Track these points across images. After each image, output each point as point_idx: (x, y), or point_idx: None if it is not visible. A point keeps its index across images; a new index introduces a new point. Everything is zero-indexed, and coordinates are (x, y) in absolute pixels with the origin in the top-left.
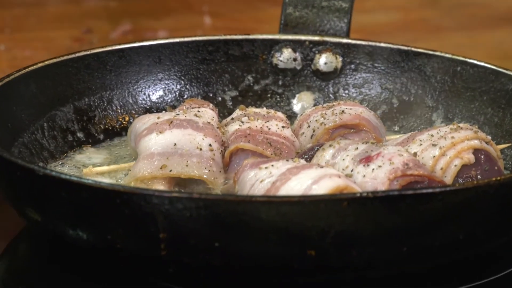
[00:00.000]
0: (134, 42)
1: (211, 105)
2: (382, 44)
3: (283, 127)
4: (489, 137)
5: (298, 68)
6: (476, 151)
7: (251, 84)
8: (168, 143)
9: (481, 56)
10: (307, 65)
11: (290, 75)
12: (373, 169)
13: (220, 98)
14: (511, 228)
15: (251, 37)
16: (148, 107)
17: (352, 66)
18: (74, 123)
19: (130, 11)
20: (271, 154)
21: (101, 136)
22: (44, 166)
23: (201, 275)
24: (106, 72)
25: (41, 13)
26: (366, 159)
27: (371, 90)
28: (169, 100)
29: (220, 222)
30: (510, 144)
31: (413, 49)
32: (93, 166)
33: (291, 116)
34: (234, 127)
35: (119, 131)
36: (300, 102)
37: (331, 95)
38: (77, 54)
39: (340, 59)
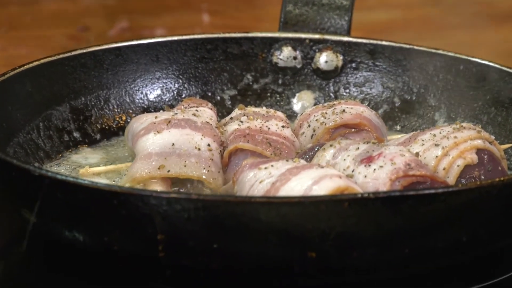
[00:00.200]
0: (131, 40)
1: (209, 104)
2: (384, 42)
3: (283, 126)
4: (493, 137)
5: (298, 66)
6: (479, 151)
7: (251, 83)
8: (166, 143)
9: (485, 54)
10: (307, 63)
11: (290, 73)
12: (374, 169)
13: (218, 97)
14: None
15: (250, 35)
16: (145, 106)
17: (353, 64)
18: (70, 123)
19: (127, 9)
20: (271, 154)
21: (98, 136)
22: (40, 167)
23: (200, 277)
24: (102, 71)
25: (36, 11)
26: (368, 159)
27: (373, 89)
28: (167, 99)
29: (219, 223)
30: None
31: (415, 47)
32: (89, 166)
33: (291, 116)
34: (233, 126)
35: (116, 131)
36: (300, 101)
37: (331, 94)
38: (73, 53)
39: (340, 57)
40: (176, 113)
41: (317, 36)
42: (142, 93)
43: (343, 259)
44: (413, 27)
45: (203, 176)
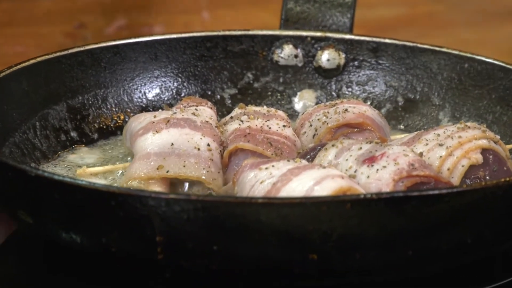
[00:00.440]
0: (130, 38)
1: (209, 103)
2: (387, 40)
3: (284, 126)
4: (498, 137)
5: (300, 65)
6: (484, 151)
7: (251, 82)
8: (165, 143)
9: (490, 52)
10: (309, 62)
11: (291, 72)
12: (377, 169)
13: (218, 96)
14: None
15: (250, 32)
16: (144, 105)
17: (356, 63)
18: (67, 122)
19: (125, 6)
20: (272, 154)
21: (95, 136)
22: (36, 167)
23: (199, 279)
24: (100, 69)
25: (32, 8)
26: (370, 160)
27: (375, 87)
28: (165, 98)
29: (218, 224)
30: None
31: (419, 45)
32: (87, 166)
33: (292, 115)
34: (233, 126)
35: (114, 130)
36: (302, 100)
37: (333, 93)
38: (70, 51)
39: (343, 55)
40: (175, 112)
41: (318, 33)
42: (140, 92)
43: (345, 261)
44: (416, 24)
45: (203, 177)
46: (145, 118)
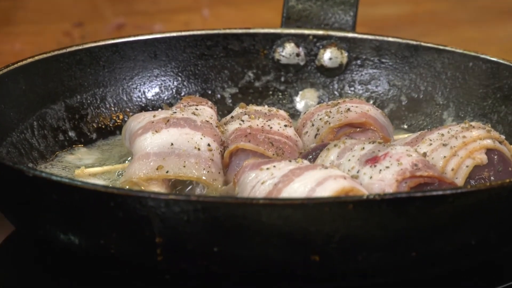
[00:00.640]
0: (129, 36)
1: (209, 102)
2: (390, 39)
3: (285, 126)
4: (503, 137)
5: (302, 63)
6: (489, 151)
7: (252, 81)
8: (164, 142)
9: (494, 51)
10: (311, 60)
11: (293, 71)
12: (380, 170)
13: (219, 96)
14: None
15: (251, 31)
16: (143, 105)
17: (358, 61)
18: (65, 122)
19: (124, 3)
20: (273, 154)
21: (94, 136)
22: (34, 167)
23: (199, 282)
24: (99, 68)
25: (29, 6)
26: (373, 160)
27: (378, 87)
28: (165, 98)
29: (219, 226)
30: None
31: (423, 43)
32: (85, 167)
33: (294, 115)
34: (234, 126)
35: (112, 130)
36: (304, 100)
37: (336, 92)
38: (68, 49)
39: (345, 54)
40: (175, 112)
41: (321, 32)
42: (139, 91)
43: (348, 262)
44: (420, 22)
45: (203, 177)
46: (145, 117)
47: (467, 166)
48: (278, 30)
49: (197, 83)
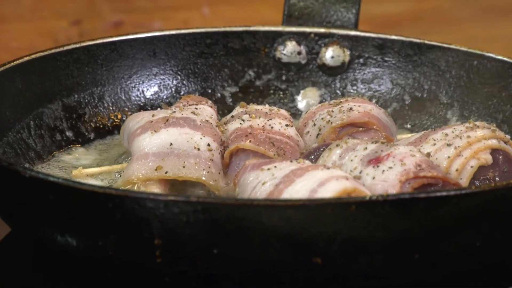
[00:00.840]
0: (127, 34)
1: (209, 102)
2: (393, 37)
3: (286, 125)
4: (508, 137)
5: (303, 62)
6: (494, 151)
7: (253, 80)
8: (163, 142)
9: (500, 49)
10: (313, 59)
11: (294, 69)
12: (383, 170)
13: (219, 95)
14: None
15: (252, 29)
16: (142, 104)
17: (361, 60)
18: (62, 121)
19: (123, 1)
20: (274, 154)
21: (92, 135)
22: (31, 168)
23: (199, 284)
24: (97, 67)
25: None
26: (376, 160)
27: (381, 86)
28: (164, 97)
29: (219, 227)
30: None
31: (426, 42)
32: (83, 167)
33: (295, 114)
34: (234, 125)
35: (111, 130)
36: (305, 99)
37: (338, 91)
38: (66, 47)
39: (347, 52)
40: (174, 111)
41: (322, 30)
42: (138, 90)
43: (350, 265)
44: (424, 20)
45: (203, 178)
46: (143, 117)
47: (471, 167)
48: (279, 28)
49: (196, 82)
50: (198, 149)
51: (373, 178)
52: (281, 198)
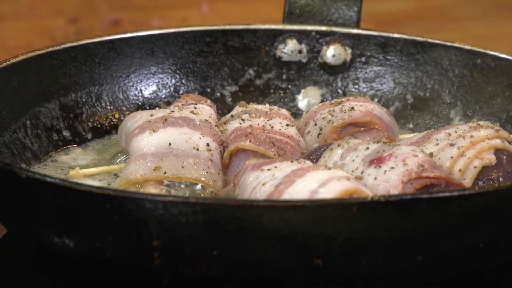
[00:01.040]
0: (125, 32)
1: (209, 101)
2: (396, 35)
3: (287, 125)
4: None
5: (304, 61)
6: (498, 151)
7: (253, 79)
8: (162, 142)
9: (504, 47)
10: (314, 57)
11: (295, 68)
12: (385, 171)
13: (218, 94)
14: None
15: (252, 27)
16: (140, 103)
17: (363, 58)
18: (59, 121)
19: None
20: (274, 154)
21: (89, 135)
22: (27, 168)
23: (198, 286)
24: (94, 66)
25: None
26: (378, 160)
27: (383, 85)
28: (163, 96)
29: (218, 228)
30: None
31: (429, 40)
32: (80, 167)
33: (296, 113)
34: (234, 125)
35: (108, 130)
36: (306, 98)
37: (339, 91)
38: (63, 46)
39: (349, 51)
40: (173, 111)
41: (324, 28)
42: (136, 89)
43: (351, 266)
44: (427, 18)
45: (202, 178)
46: (141, 116)
47: (475, 167)
48: (280, 26)
49: (196, 81)
50: (197, 149)
51: (375, 178)
52: (281, 199)
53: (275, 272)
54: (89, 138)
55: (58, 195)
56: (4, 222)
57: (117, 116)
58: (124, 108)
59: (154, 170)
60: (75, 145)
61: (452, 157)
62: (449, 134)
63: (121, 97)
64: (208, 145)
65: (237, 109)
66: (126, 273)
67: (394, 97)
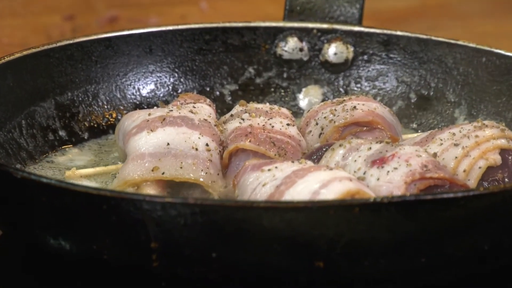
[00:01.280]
0: (122, 30)
1: (208, 100)
2: (399, 33)
3: (288, 124)
4: None
5: (305, 59)
6: (503, 152)
7: (253, 77)
8: (160, 142)
9: (509, 45)
10: (315, 55)
11: (296, 67)
12: (388, 171)
13: (218, 93)
14: None
15: (252, 24)
16: (138, 102)
17: (365, 57)
18: (55, 120)
19: None
20: (275, 154)
21: (86, 135)
22: (22, 168)
23: None
24: (91, 64)
25: None
26: (380, 161)
27: (386, 83)
28: (161, 95)
29: (218, 230)
30: None
31: (433, 37)
32: (76, 168)
33: (297, 113)
34: (233, 124)
35: (105, 129)
36: (307, 97)
37: (341, 89)
38: (59, 44)
39: (351, 49)
40: (172, 110)
41: (325, 25)
42: (134, 88)
43: (353, 269)
44: (430, 15)
45: (201, 179)
46: (139, 116)
47: (480, 167)
48: (281, 24)
49: (194, 80)
50: (196, 149)
51: (378, 179)
52: (282, 200)
53: (276, 275)
54: (85, 138)
55: (54, 196)
56: None
57: (114, 115)
58: (122, 107)
59: (152, 170)
60: (71, 145)
61: (456, 157)
62: (454, 134)
63: (119, 96)
64: (207, 145)
65: (237, 108)
66: (123, 276)
67: (397, 96)
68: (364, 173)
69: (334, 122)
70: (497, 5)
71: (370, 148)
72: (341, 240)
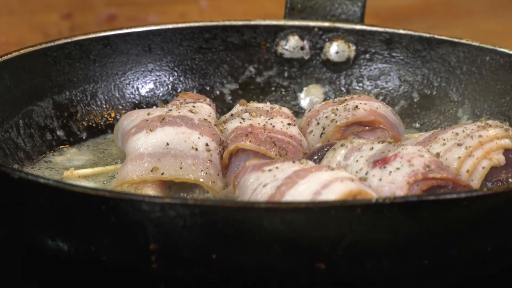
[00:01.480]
0: (121, 28)
1: (208, 99)
2: (401, 31)
3: (289, 124)
4: None
5: (306, 58)
6: (507, 152)
7: (253, 76)
8: (159, 142)
9: None
10: (316, 54)
11: (297, 65)
12: (390, 171)
13: (218, 92)
14: None
15: (252, 23)
16: (137, 101)
17: (367, 55)
18: (53, 120)
19: None
20: (276, 155)
21: (84, 135)
22: (20, 169)
23: None
24: (89, 63)
25: None
26: (383, 161)
27: (388, 82)
28: (160, 94)
29: (218, 231)
30: None
31: (436, 36)
32: (75, 168)
33: (298, 112)
34: (234, 124)
35: (104, 129)
36: (308, 96)
37: (343, 89)
38: (56, 42)
39: (353, 47)
40: (171, 110)
41: (327, 24)
42: (133, 87)
43: (355, 270)
44: (433, 13)
45: (201, 179)
46: (138, 115)
47: (483, 168)
48: (281, 22)
49: (194, 79)
50: (196, 149)
51: (380, 179)
52: (283, 200)
53: (277, 276)
54: (84, 137)
55: (52, 196)
56: None
57: (113, 115)
58: (120, 107)
59: (152, 171)
60: (70, 145)
61: (459, 157)
62: (457, 134)
63: (117, 95)
64: (207, 145)
65: (237, 108)
66: (122, 277)
67: (400, 96)
68: (366, 174)
69: (336, 121)
70: (500, 3)
71: (372, 148)
72: (342, 241)
